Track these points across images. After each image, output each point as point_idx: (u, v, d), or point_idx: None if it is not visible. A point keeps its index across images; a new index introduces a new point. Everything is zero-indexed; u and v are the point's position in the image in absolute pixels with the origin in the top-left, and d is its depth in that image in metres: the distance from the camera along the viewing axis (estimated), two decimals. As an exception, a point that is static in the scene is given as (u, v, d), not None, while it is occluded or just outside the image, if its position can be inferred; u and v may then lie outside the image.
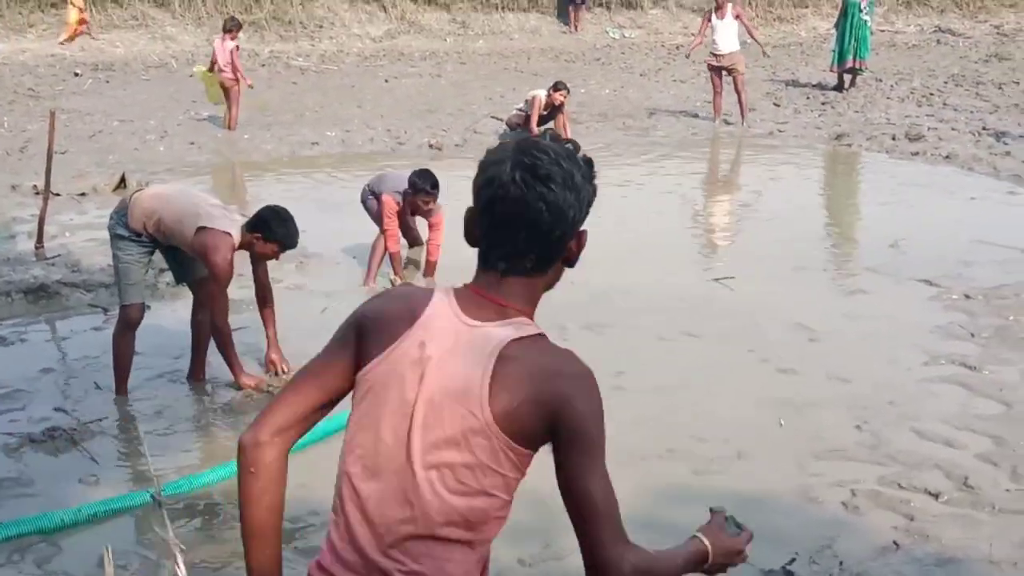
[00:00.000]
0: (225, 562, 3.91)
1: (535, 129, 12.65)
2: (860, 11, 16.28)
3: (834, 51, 16.82)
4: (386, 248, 7.34)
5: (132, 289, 5.38)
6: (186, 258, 5.43)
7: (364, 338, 1.88)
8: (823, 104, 15.67)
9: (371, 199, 7.64)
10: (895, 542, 4.04)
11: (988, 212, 9.52)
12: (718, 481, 4.53)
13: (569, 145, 1.86)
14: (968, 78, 17.84)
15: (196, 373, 5.67)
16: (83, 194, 9.85)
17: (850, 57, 16.39)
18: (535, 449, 1.83)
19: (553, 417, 1.77)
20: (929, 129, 13.22)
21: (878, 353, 6.05)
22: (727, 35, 13.82)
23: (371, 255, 7.44)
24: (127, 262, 5.32)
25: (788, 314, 6.66)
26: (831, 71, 17.02)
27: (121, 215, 5.28)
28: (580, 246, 1.88)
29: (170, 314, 6.50)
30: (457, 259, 7.39)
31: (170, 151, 12.23)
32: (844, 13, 16.43)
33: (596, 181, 1.88)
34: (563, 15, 24.38)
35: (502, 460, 1.79)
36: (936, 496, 4.39)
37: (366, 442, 1.86)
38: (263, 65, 19.02)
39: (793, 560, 3.88)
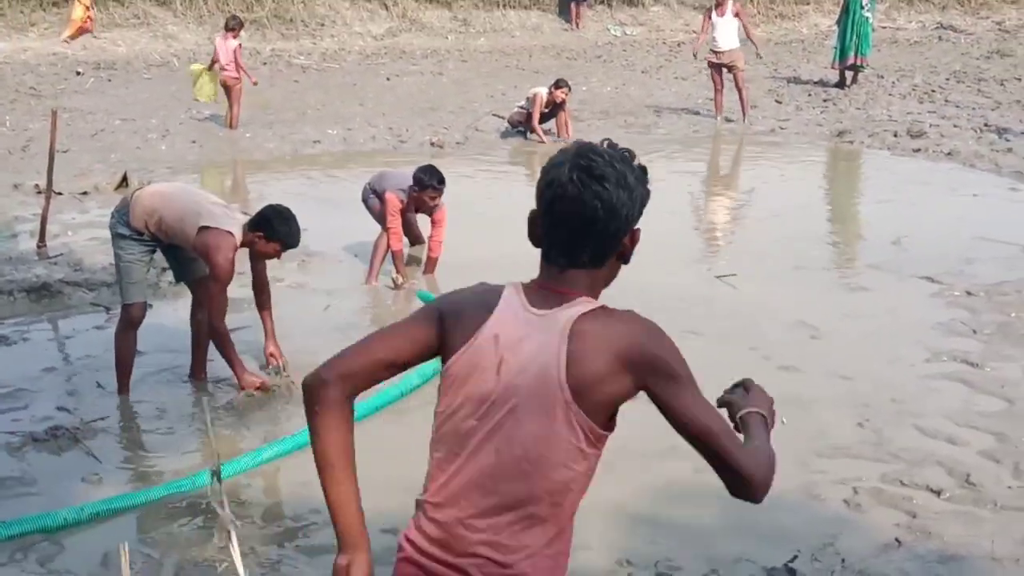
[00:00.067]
0: (228, 560, 3.91)
1: (537, 127, 12.67)
2: (862, 7, 16.27)
3: (836, 48, 16.82)
4: (389, 246, 7.34)
5: (134, 288, 5.38)
6: (186, 257, 5.43)
7: (445, 329, 2.03)
8: (825, 101, 15.67)
9: (372, 197, 7.64)
10: (897, 539, 4.04)
11: (990, 209, 9.52)
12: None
13: (625, 152, 2.01)
14: (970, 74, 17.83)
15: (197, 372, 5.67)
16: (85, 193, 9.85)
17: (852, 54, 16.38)
18: (610, 419, 1.99)
19: (639, 370, 1.93)
20: (931, 126, 13.21)
21: (880, 350, 6.05)
22: (727, 32, 13.81)
23: (373, 253, 7.44)
24: (129, 261, 5.32)
25: (789, 312, 6.66)
26: (833, 68, 17.01)
27: (122, 214, 5.28)
28: (634, 242, 2.04)
29: (172, 313, 6.50)
30: (458, 257, 7.46)
31: (172, 150, 12.24)
32: (846, 9, 16.43)
33: (650, 186, 2.03)
34: (564, 12, 24.36)
35: (580, 436, 1.95)
36: (938, 493, 4.39)
37: (451, 429, 2.01)
38: (265, 63, 19.01)
39: (795, 557, 3.88)
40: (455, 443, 2.00)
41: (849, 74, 16.70)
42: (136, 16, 21.05)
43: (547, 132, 12.81)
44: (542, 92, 12.66)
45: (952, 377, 5.65)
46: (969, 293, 6.95)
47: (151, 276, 6.31)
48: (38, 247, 7.99)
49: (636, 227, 2.02)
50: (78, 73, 17.64)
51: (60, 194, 9.27)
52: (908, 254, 7.94)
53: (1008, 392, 5.43)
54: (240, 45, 13.39)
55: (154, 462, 4.86)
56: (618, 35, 24.01)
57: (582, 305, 1.97)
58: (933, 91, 16.19)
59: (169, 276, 6.64)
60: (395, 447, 4.22)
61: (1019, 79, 17.09)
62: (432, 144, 12.59)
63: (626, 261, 2.06)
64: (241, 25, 13.86)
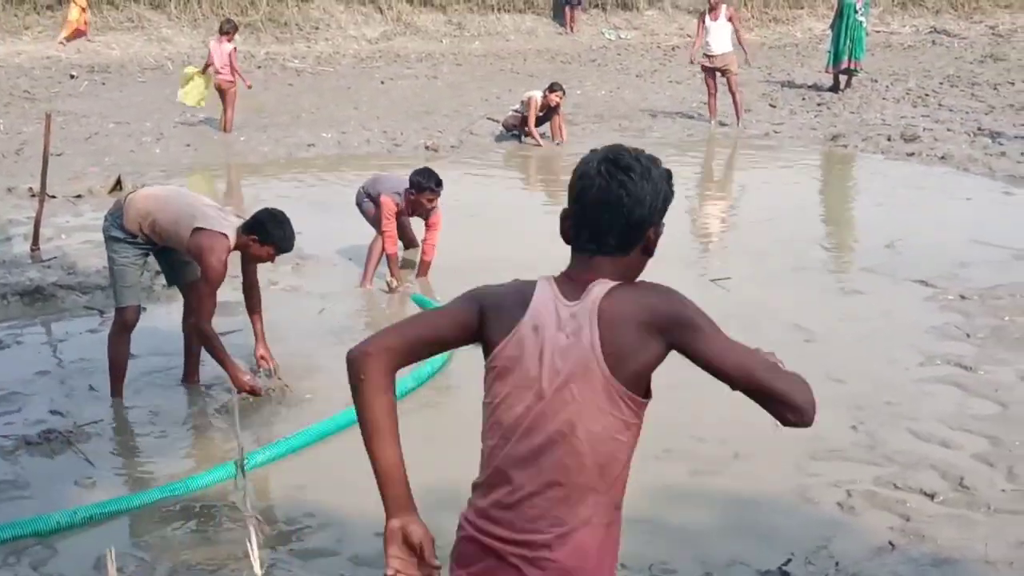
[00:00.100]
0: (221, 564, 3.90)
1: (534, 130, 12.68)
2: (856, 12, 16.31)
3: (830, 52, 16.84)
4: (384, 249, 7.33)
5: (128, 291, 5.37)
6: (178, 261, 5.42)
7: (485, 320, 2.16)
8: (819, 105, 15.69)
9: (366, 201, 7.64)
10: (891, 542, 4.04)
11: (983, 213, 9.54)
12: (715, 481, 4.53)
13: (651, 156, 2.18)
14: (963, 79, 17.87)
15: (190, 375, 5.66)
16: (79, 196, 9.84)
17: (845, 58, 16.42)
18: (646, 386, 2.14)
19: (665, 331, 2.08)
20: (924, 130, 13.24)
21: (874, 354, 6.05)
22: (720, 36, 13.83)
23: (368, 256, 7.43)
24: (122, 264, 5.31)
25: (784, 315, 6.66)
26: (827, 72, 17.04)
27: (116, 217, 5.27)
28: (658, 235, 2.18)
29: (165, 316, 6.48)
30: (451, 260, 7.46)
31: (166, 153, 12.23)
32: (840, 14, 16.47)
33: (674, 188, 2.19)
34: (559, 16, 24.40)
35: (622, 408, 2.11)
36: (932, 496, 4.39)
37: (501, 416, 2.14)
38: (259, 67, 19.01)
39: (789, 560, 3.88)
40: (507, 428, 2.13)
41: (843, 78, 16.73)
42: (130, 19, 21.05)
43: (542, 135, 12.82)
44: (537, 96, 12.68)
45: (946, 380, 5.66)
46: (963, 297, 6.96)
47: (145, 279, 6.29)
48: (32, 250, 7.98)
49: (661, 223, 2.17)
50: (72, 76, 17.63)
51: (54, 197, 9.26)
52: (902, 258, 7.95)
53: (1002, 396, 5.43)
54: (235, 49, 13.38)
55: (147, 466, 4.85)
56: (612, 39, 24.04)
57: (600, 286, 2.11)
58: (927, 95, 16.23)
59: (163, 279, 6.63)
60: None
61: (1012, 83, 17.13)
62: (426, 147, 12.59)
63: (650, 254, 2.20)
64: (236, 29, 13.84)
